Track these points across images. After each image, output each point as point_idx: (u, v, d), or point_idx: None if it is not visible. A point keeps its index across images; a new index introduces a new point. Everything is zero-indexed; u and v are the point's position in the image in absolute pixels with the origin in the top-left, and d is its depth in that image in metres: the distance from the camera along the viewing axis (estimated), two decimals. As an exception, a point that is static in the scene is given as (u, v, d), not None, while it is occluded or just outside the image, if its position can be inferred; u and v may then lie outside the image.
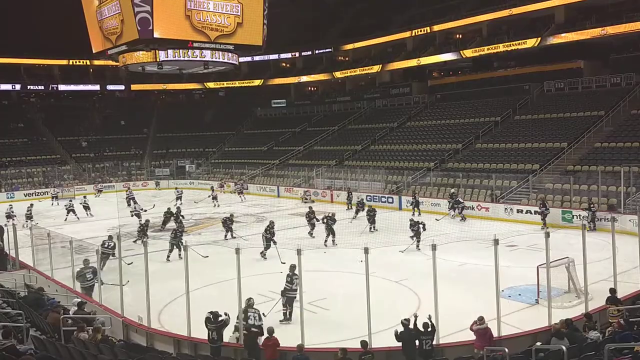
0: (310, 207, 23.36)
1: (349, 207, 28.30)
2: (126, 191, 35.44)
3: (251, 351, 9.94)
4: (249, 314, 10.82)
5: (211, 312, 10.32)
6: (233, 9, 21.38)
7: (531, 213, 23.13)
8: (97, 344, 9.51)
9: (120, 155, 47.98)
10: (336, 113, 47.42)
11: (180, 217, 23.35)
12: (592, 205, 21.14)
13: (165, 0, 19.98)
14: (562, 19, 33.92)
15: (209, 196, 33.27)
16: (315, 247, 19.38)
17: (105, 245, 16.72)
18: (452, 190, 26.47)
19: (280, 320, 12.28)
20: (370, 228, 22.48)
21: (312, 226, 21.91)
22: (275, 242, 18.30)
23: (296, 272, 12.85)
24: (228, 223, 22.33)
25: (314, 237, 21.35)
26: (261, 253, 18.27)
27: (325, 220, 20.70)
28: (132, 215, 26.97)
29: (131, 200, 31.55)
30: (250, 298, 11.07)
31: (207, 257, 18.04)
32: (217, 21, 21.03)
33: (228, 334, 10.74)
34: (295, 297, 12.45)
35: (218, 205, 31.96)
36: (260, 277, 15.08)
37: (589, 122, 28.86)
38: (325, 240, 20.26)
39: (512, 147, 30.48)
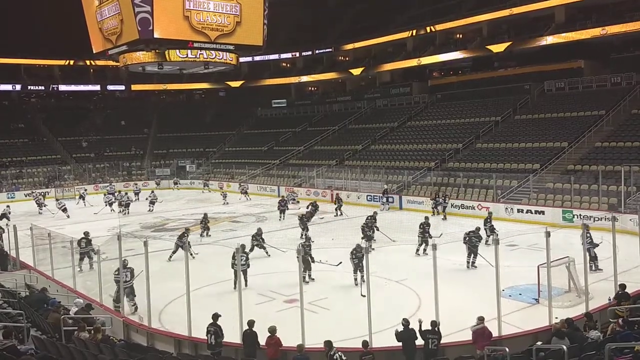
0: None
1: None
2: (107, 188, 35.91)
3: (250, 349, 9.93)
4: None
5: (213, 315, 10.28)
6: (232, 9, 21.36)
7: (532, 213, 23.25)
8: (98, 343, 9.52)
9: (120, 156, 47.94)
10: (336, 113, 47.38)
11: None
12: (437, 195, 25.66)
13: (165, 0, 20.02)
14: (563, 18, 33.87)
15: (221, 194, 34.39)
16: (316, 247, 19.31)
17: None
18: (385, 186, 29.32)
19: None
20: (302, 235, 20.03)
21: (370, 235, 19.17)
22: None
23: (246, 253, 14.26)
24: (304, 220, 21.36)
25: (394, 240, 19.14)
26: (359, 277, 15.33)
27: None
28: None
29: (112, 196, 33.01)
30: (125, 259, 12.42)
31: (340, 263, 15.55)
32: (217, 21, 21.01)
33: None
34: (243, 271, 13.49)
35: (227, 204, 32.59)
36: (260, 276, 15.13)
37: (590, 121, 28.84)
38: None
39: (513, 146, 30.45)
